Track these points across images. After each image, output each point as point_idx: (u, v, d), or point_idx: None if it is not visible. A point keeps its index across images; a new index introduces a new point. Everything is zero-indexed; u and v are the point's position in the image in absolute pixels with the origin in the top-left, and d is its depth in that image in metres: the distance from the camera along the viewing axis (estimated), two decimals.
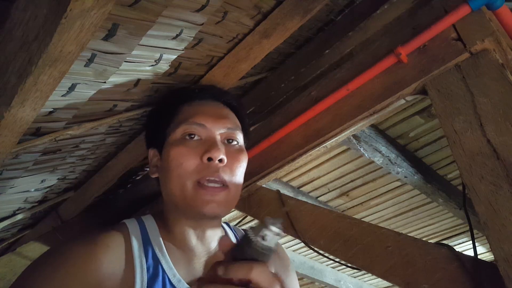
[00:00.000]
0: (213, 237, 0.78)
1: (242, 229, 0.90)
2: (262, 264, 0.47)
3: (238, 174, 0.76)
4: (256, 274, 0.46)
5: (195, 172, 0.71)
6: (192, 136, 0.75)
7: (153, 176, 0.82)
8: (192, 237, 0.75)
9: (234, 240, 0.85)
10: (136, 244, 0.70)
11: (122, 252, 0.68)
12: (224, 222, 0.89)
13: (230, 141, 0.78)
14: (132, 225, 0.74)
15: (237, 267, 0.46)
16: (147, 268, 0.67)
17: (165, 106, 0.84)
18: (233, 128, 0.78)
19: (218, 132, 0.76)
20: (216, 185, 0.72)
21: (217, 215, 0.72)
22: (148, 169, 1.43)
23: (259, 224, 0.49)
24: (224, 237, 0.52)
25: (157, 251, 0.71)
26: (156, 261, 0.69)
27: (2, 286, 1.49)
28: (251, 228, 0.49)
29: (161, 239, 0.74)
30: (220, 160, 0.72)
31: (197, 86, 0.90)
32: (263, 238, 0.47)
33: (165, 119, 0.81)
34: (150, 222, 0.77)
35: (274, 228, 0.47)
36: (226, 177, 0.72)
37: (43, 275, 0.60)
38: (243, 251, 0.48)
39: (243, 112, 0.87)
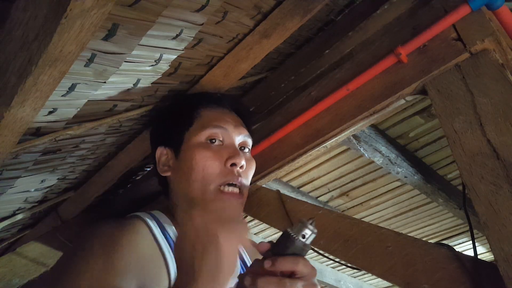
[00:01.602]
0: None
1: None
2: (304, 258, 0.54)
3: (249, 180, 0.83)
4: (301, 266, 0.53)
5: (219, 176, 0.77)
6: (214, 140, 0.80)
7: (164, 174, 0.84)
8: None
9: None
10: (156, 231, 0.73)
11: (149, 237, 0.70)
12: None
13: (243, 148, 0.85)
14: (146, 216, 0.76)
15: (284, 260, 0.52)
16: (171, 256, 0.70)
17: (184, 108, 0.87)
18: (247, 136, 0.86)
19: (237, 138, 0.83)
20: (235, 189, 0.77)
21: (234, 218, 0.75)
22: (148, 168, 1.43)
23: (298, 223, 0.56)
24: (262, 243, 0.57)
25: (174, 238, 0.74)
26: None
27: (2, 286, 1.49)
28: (290, 227, 0.56)
29: (174, 227, 0.77)
30: (241, 167, 0.78)
31: (216, 93, 0.96)
32: (304, 236, 0.55)
33: (184, 120, 0.84)
34: (160, 215, 0.79)
35: (312, 228, 0.55)
36: (244, 182, 0.79)
37: (88, 255, 0.61)
38: (285, 247, 0.54)
39: (252, 121, 0.96)
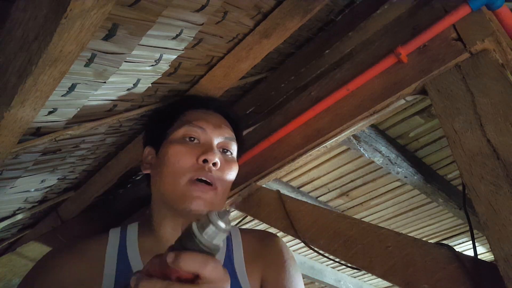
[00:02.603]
0: None
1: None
2: (216, 260, 0.43)
3: (228, 180, 0.81)
4: (209, 270, 0.42)
5: (190, 171, 0.76)
6: (192, 139, 0.80)
7: (145, 171, 0.86)
8: (175, 237, 0.76)
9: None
10: (111, 254, 0.75)
11: (94, 260, 0.73)
12: None
13: (225, 150, 0.84)
14: (113, 234, 0.79)
15: (189, 258, 0.42)
16: (116, 275, 0.72)
17: (170, 109, 0.90)
18: (229, 138, 0.84)
19: (216, 139, 0.82)
20: (206, 184, 0.76)
21: (202, 212, 0.74)
22: None
23: (204, 217, 0.44)
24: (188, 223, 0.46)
25: (131, 260, 0.75)
26: (127, 269, 0.73)
27: (2, 286, 1.49)
28: (197, 221, 0.44)
29: (138, 249, 0.77)
30: (214, 164, 0.77)
31: (202, 96, 0.97)
32: (207, 234, 0.43)
33: (168, 120, 0.86)
34: (132, 231, 0.81)
35: (220, 224, 0.43)
36: (216, 179, 0.77)
37: (27, 283, 0.70)
38: (185, 247, 0.43)
39: (241, 127, 0.94)
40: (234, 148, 0.86)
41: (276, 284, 0.80)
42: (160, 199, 0.79)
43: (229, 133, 0.85)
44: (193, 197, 0.73)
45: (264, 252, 0.85)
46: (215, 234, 0.43)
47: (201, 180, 0.75)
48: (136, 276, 0.44)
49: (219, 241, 0.44)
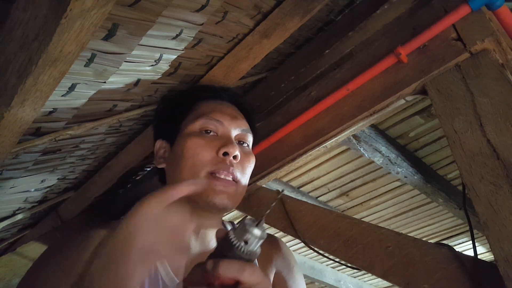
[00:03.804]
0: (212, 235, 0.78)
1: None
2: (253, 266, 0.45)
3: (247, 174, 0.79)
4: (247, 275, 0.43)
5: (210, 164, 0.74)
6: (209, 131, 0.78)
7: (160, 166, 0.83)
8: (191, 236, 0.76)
9: None
10: None
11: None
12: (229, 221, 0.89)
13: (242, 142, 0.82)
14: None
15: (228, 265, 0.43)
16: None
17: (183, 100, 0.87)
18: (246, 130, 0.82)
19: (234, 131, 0.80)
20: (228, 177, 0.74)
21: (226, 206, 0.74)
22: (148, 168, 1.43)
23: (240, 226, 0.45)
24: (221, 230, 0.49)
25: None
26: None
27: (2, 286, 1.49)
28: (232, 230, 0.46)
29: None
30: (235, 157, 0.75)
31: (216, 86, 0.93)
32: (246, 242, 0.44)
33: (181, 112, 0.83)
34: None
35: (257, 231, 0.45)
36: (237, 173, 0.75)
37: (42, 267, 0.65)
38: (223, 255, 0.44)
39: (254, 117, 0.92)
40: (250, 140, 0.84)
41: None
42: None
43: (245, 124, 0.83)
44: (215, 192, 0.71)
45: (275, 256, 0.86)
46: (251, 241, 0.45)
47: (223, 173, 0.73)
48: (179, 286, 0.46)
49: (256, 247, 0.46)
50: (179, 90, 0.97)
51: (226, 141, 0.76)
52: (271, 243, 0.89)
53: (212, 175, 0.73)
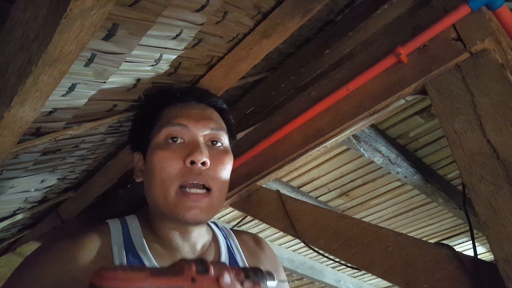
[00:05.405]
0: (199, 237, 0.78)
1: None
2: None
3: (223, 177, 0.75)
4: None
5: (178, 177, 0.71)
6: (175, 139, 0.74)
7: (138, 180, 0.81)
8: (178, 239, 0.76)
9: (222, 239, 0.85)
10: (116, 244, 0.71)
11: (100, 252, 0.69)
12: (212, 222, 0.89)
13: (215, 142, 0.77)
14: (114, 225, 0.75)
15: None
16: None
17: (147, 110, 0.83)
18: (216, 129, 0.77)
19: (201, 133, 0.75)
20: (199, 190, 0.71)
21: (200, 221, 0.72)
22: None
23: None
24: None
25: (139, 250, 0.72)
26: (138, 260, 0.70)
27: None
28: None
29: (143, 239, 0.74)
30: (203, 163, 0.71)
31: (178, 89, 0.88)
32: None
33: (148, 123, 0.80)
34: (133, 222, 0.78)
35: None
36: (209, 180, 0.72)
37: (25, 274, 0.63)
38: None
39: (228, 113, 0.87)
40: (224, 138, 0.79)
41: None
42: (155, 208, 0.75)
43: (215, 122, 0.78)
44: (186, 208, 0.69)
45: (262, 255, 0.88)
46: None
47: (193, 185, 0.71)
48: None
49: None
50: (146, 97, 0.92)
51: (192, 148, 0.72)
52: (257, 241, 0.90)
53: (182, 189, 0.70)
